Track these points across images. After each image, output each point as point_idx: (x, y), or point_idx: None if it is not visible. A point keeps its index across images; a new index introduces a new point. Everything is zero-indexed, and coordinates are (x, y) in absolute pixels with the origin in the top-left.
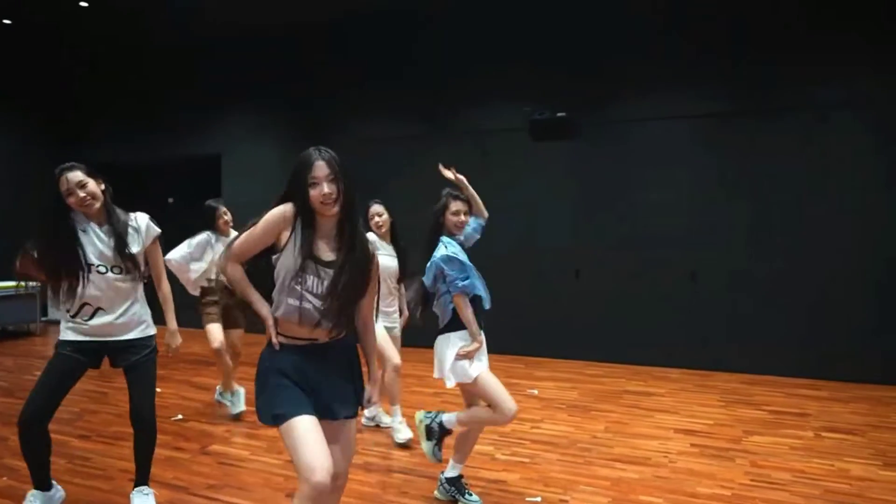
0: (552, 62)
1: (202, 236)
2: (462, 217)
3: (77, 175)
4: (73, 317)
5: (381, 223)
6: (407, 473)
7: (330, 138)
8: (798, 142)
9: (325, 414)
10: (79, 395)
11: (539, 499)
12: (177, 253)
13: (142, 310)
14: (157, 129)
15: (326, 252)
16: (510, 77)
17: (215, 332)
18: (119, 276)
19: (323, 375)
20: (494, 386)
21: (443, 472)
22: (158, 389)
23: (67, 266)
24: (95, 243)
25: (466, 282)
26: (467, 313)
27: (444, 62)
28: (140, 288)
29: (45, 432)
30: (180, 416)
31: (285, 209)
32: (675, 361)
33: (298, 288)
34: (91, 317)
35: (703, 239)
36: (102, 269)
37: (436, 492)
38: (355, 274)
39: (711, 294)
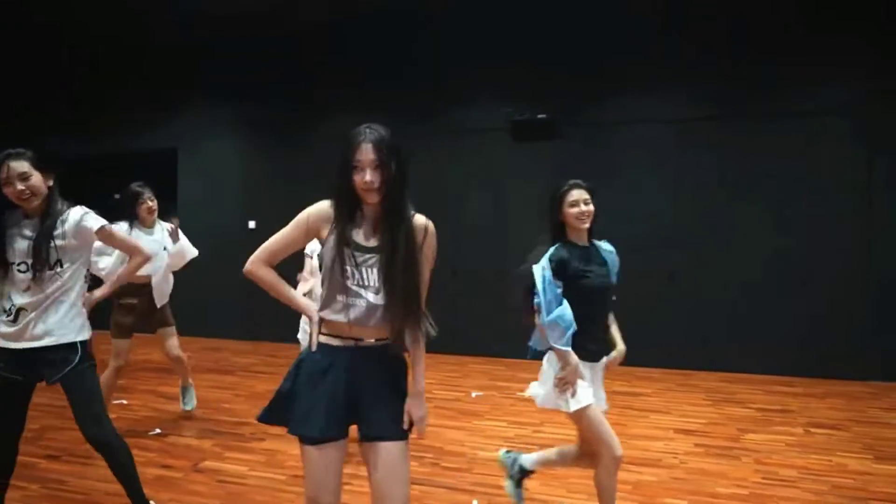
0: (539, 62)
1: (116, 226)
2: (582, 207)
3: (22, 165)
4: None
5: None
6: (422, 484)
7: (299, 137)
8: (795, 143)
9: (365, 433)
10: (34, 409)
11: None
12: None
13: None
14: (106, 120)
15: (368, 238)
16: (494, 77)
17: (121, 347)
18: (25, 273)
19: (367, 386)
20: (597, 424)
21: (522, 455)
22: (124, 401)
23: None
24: (18, 240)
25: (553, 316)
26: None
27: (427, 62)
28: (75, 290)
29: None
30: (158, 431)
31: (320, 205)
32: (656, 361)
33: (345, 282)
34: (15, 319)
35: (682, 240)
36: (23, 268)
37: (501, 453)
38: (408, 260)
39: (692, 294)
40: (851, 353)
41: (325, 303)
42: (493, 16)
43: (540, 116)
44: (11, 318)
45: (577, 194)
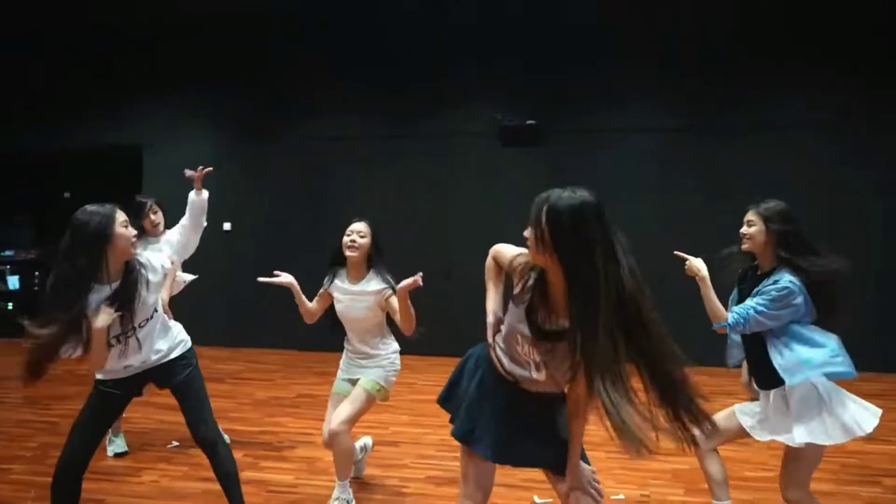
0: (529, 69)
1: None
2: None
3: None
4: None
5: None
6: None
7: (276, 135)
8: (771, 155)
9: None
10: (22, 427)
11: (622, 496)
12: None
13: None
14: (62, 113)
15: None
16: (482, 82)
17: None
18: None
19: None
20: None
21: None
22: (125, 415)
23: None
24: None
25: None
26: None
27: (414, 65)
28: (160, 308)
29: (79, 482)
30: (176, 443)
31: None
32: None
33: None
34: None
35: (667, 246)
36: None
37: None
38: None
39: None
40: None
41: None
42: (484, 21)
43: (529, 122)
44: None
45: None
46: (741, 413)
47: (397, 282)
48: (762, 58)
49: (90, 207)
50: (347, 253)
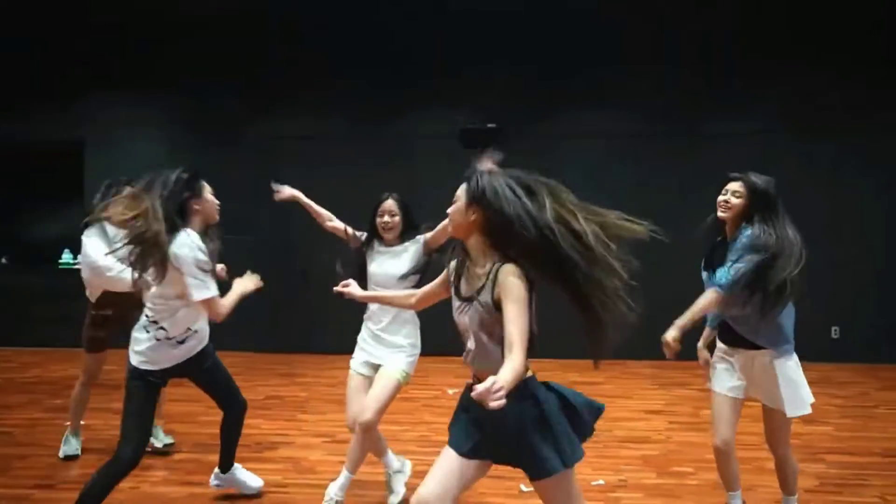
0: (492, 72)
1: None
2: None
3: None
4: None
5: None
6: None
7: (234, 134)
8: (729, 159)
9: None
10: None
11: (602, 482)
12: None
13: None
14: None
15: None
16: (445, 85)
17: (93, 361)
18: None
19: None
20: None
21: None
22: (83, 422)
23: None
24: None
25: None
26: None
27: (374, 66)
28: None
29: None
30: (149, 449)
31: None
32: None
33: None
34: (184, 340)
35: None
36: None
37: None
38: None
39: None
40: None
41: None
42: (448, 24)
43: (490, 125)
44: (182, 341)
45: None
46: (721, 385)
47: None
48: (720, 67)
49: None
50: (384, 235)
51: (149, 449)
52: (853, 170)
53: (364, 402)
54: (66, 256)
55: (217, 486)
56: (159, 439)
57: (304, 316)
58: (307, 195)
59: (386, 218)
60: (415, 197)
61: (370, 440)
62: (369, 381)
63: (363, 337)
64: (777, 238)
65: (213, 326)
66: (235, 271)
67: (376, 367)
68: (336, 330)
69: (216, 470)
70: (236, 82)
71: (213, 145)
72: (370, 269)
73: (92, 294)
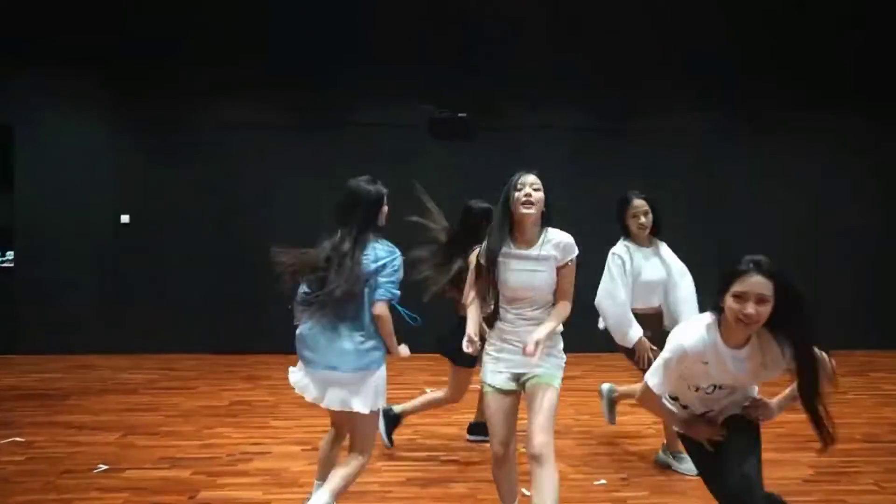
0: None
1: None
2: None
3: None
4: None
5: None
6: (465, 482)
7: (186, 117)
8: (668, 157)
9: None
10: None
11: (604, 481)
12: None
13: None
14: None
15: None
16: (415, 74)
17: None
18: None
19: None
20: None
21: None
22: (18, 438)
23: None
24: None
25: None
26: None
27: (342, 50)
28: None
29: None
30: (104, 467)
31: None
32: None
33: None
34: None
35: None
36: None
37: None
38: None
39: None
40: None
41: None
42: (420, 12)
43: (461, 115)
44: None
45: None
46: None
47: None
48: (671, 68)
49: None
50: (523, 210)
51: None
52: None
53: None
54: None
55: None
56: None
57: (260, 314)
58: (265, 186)
59: (527, 189)
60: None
61: (549, 469)
62: (516, 397)
63: (497, 347)
64: None
65: (161, 325)
66: (177, 265)
67: (520, 378)
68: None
69: None
70: (176, 63)
71: (161, 127)
72: (504, 279)
73: None
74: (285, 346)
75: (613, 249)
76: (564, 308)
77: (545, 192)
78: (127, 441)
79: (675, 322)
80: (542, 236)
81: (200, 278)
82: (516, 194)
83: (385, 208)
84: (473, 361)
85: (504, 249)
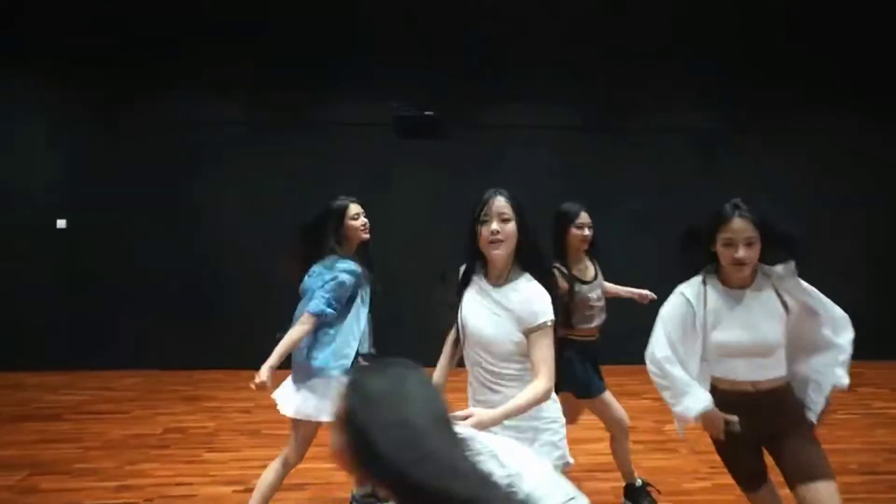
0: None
1: None
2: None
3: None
4: None
5: None
6: None
7: (125, 114)
8: (643, 156)
9: None
10: None
11: None
12: None
13: None
14: None
15: None
16: (380, 71)
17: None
18: None
19: None
20: None
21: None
22: None
23: None
24: None
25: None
26: None
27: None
28: None
29: None
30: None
31: None
32: None
33: None
34: None
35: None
36: None
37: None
38: None
39: None
40: None
41: None
42: (387, 9)
43: (427, 113)
44: None
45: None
46: None
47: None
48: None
49: None
50: (490, 251)
51: None
52: None
53: None
54: None
55: None
56: None
57: (210, 327)
58: (221, 186)
59: (494, 225)
60: (337, 188)
61: None
62: None
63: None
64: None
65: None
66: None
67: None
68: (246, 343)
69: None
70: (124, 53)
71: (103, 126)
72: (465, 321)
73: None
74: (235, 361)
75: None
76: (536, 387)
77: (521, 217)
78: (28, 483)
79: None
80: (513, 280)
81: (149, 289)
82: (482, 231)
83: (352, 222)
84: None
85: (475, 278)
